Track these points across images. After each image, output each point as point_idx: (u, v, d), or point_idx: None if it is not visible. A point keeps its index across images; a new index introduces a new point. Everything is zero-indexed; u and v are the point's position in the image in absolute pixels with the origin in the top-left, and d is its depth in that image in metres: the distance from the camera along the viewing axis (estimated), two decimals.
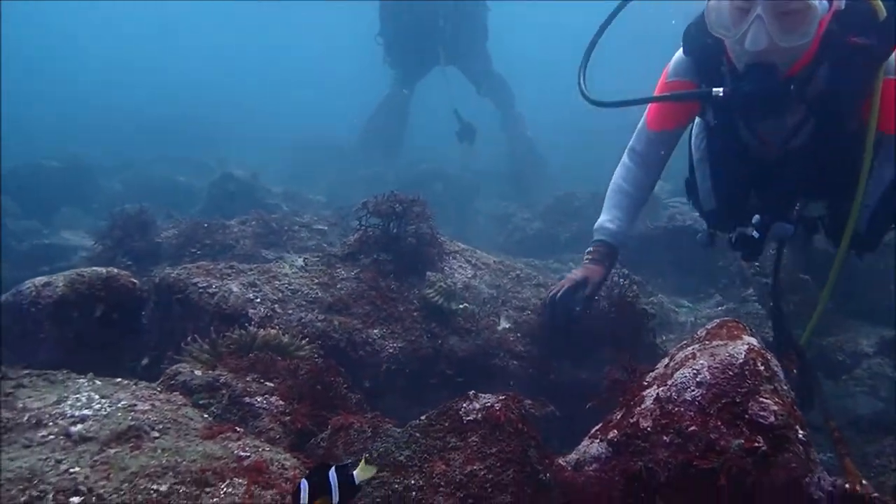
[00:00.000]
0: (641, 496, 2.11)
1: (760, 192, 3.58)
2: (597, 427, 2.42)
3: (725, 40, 3.17)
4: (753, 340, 2.28)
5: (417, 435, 2.62)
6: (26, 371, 2.60)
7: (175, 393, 2.69)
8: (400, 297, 4.09)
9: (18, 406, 2.29)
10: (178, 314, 3.69)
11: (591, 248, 4.09)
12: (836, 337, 4.76)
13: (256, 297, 3.75)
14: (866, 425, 3.80)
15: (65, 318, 3.45)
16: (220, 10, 36.65)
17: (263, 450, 2.30)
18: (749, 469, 1.95)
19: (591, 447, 2.31)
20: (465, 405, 2.63)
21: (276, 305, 3.76)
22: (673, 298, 5.87)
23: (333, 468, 1.73)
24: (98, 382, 2.59)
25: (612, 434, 2.27)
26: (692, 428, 2.08)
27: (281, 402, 2.87)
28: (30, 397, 2.38)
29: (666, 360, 2.52)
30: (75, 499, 1.88)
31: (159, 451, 2.14)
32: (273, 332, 3.38)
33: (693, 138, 3.84)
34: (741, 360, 2.15)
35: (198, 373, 2.92)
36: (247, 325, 3.47)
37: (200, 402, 2.77)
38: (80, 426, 2.19)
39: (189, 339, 3.30)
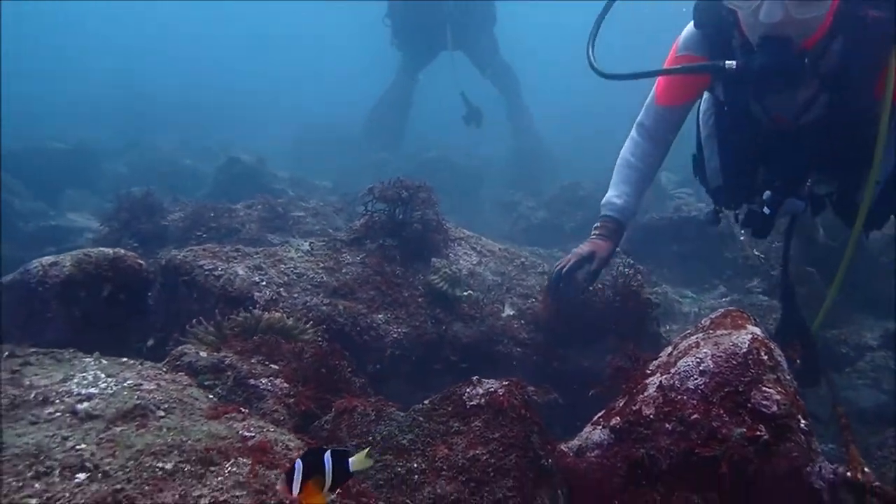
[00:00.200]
0: (643, 483, 2.12)
1: (770, 169, 3.54)
2: (599, 414, 2.43)
3: (739, 13, 3.13)
4: (757, 330, 2.29)
5: (421, 419, 2.64)
6: (33, 349, 2.62)
7: (180, 373, 2.71)
8: (405, 282, 4.10)
9: (25, 383, 2.31)
10: (184, 296, 3.71)
11: (598, 224, 4.06)
12: (839, 329, 4.77)
13: (262, 281, 3.76)
14: (869, 417, 3.81)
15: (72, 297, 3.46)
16: None
17: (268, 430, 2.31)
18: (750, 457, 1.96)
19: (594, 434, 2.32)
20: (468, 390, 2.65)
21: (281, 289, 3.77)
22: (677, 289, 5.87)
23: (329, 451, 1.73)
24: (104, 361, 2.60)
25: (615, 421, 2.28)
26: (694, 416, 2.09)
27: (285, 385, 2.89)
28: (36, 375, 2.39)
29: (669, 349, 2.52)
30: (81, 475, 1.89)
31: (164, 429, 2.16)
32: (277, 315, 3.40)
33: (701, 114, 3.82)
34: (745, 350, 2.16)
35: (203, 354, 2.94)
36: (252, 307, 3.48)
37: (205, 382, 2.79)
38: (86, 404, 2.21)
39: (194, 321, 3.31)
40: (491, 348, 3.95)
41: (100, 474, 1.90)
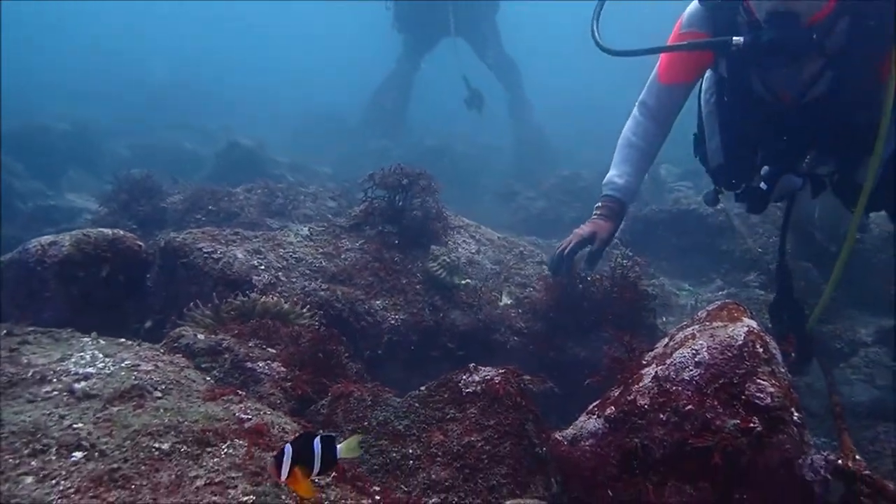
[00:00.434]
0: (636, 472, 2.13)
1: (771, 146, 3.53)
2: (595, 403, 2.44)
3: None
4: (753, 323, 2.30)
5: (417, 405, 2.65)
6: (31, 328, 2.63)
7: (178, 355, 2.72)
8: (403, 269, 4.11)
9: (23, 362, 2.32)
10: (182, 278, 3.71)
11: (599, 203, 4.05)
12: (834, 325, 4.78)
13: (261, 265, 3.77)
14: (863, 412, 3.83)
15: (70, 277, 3.46)
16: None
17: (265, 413, 2.32)
18: (743, 449, 1.97)
19: (589, 423, 2.33)
20: (464, 377, 2.66)
21: (280, 273, 3.78)
22: (675, 281, 5.88)
23: (318, 437, 1.73)
24: (102, 342, 2.62)
25: (610, 410, 2.29)
26: (689, 407, 2.10)
27: (282, 369, 2.90)
28: (34, 353, 2.41)
29: (665, 340, 2.53)
30: (78, 453, 1.91)
31: (161, 410, 2.17)
32: (273, 299, 3.41)
33: (703, 93, 3.80)
34: (740, 342, 2.17)
35: (201, 336, 2.95)
36: (250, 291, 3.49)
37: (203, 365, 2.80)
38: (83, 383, 2.22)
39: (192, 304, 3.32)
40: (488, 336, 3.97)
41: (96, 453, 1.92)
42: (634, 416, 2.21)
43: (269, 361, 2.93)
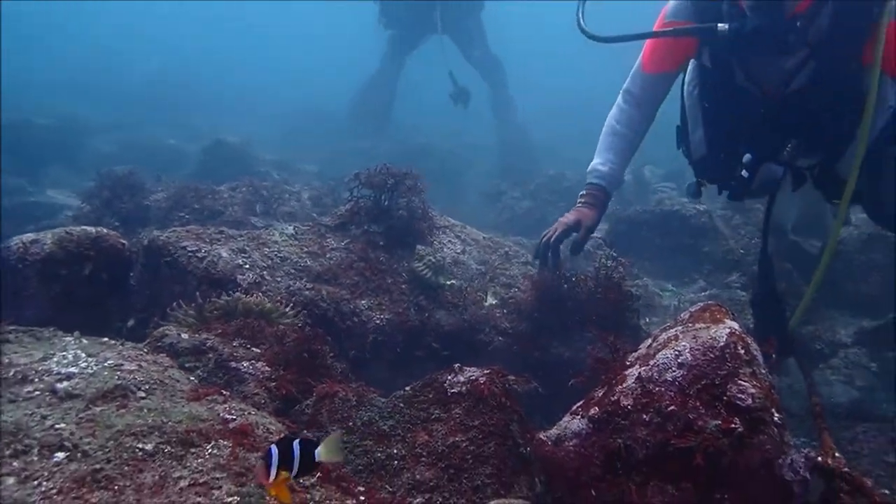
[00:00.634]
0: (619, 472, 2.15)
1: (753, 137, 3.54)
2: (578, 404, 2.46)
3: None
4: (735, 325, 2.32)
5: (402, 405, 2.66)
6: (13, 327, 2.61)
7: (161, 354, 2.71)
8: (389, 269, 4.11)
9: (4, 361, 2.30)
10: (166, 277, 3.70)
11: (583, 192, 4.07)
12: (814, 326, 4.83)
13: (245, 264, 3.76)
14: (842, 413, 3.87)
15: (52, 275, 3.44)
16: None
17: (249, 413, 2.32)
18: (725, 449, 1.99)
19: (572, 423, 2.35)
20: (449, 377, 2.67)
21: (264, 272, 3.77)
22: (658, 282, 5.92)
23: (298, 441, 1.73)
24: (85, 341, 2.60)
25: (594, 411, 2.30)
26: (671, 408, 2.11)
27: (267, 368, 2.89)
28: (16, 353, 2.38)
29: (649, 341, 2.55)
30: (60, 454, 1.90)
31: (145, 410, 2.16)
32: (255, 298, 3.39)
33: (686, 85, 3.82)
34: (722, 343, 2.19)
35: (184, 336, 2.94)
36: (235, 290, 3.48)
37: (186, 364, 2.79)
38: (66, 383, 2.21)
39: (174, 304, 3.30)
40: (473, 336, 3.97)
41: (79, 454, 1.91)
42: (618, 416, 2.23)
43: (253, 361, 2.92)
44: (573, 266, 4.61)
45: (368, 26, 13.22)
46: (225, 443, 2.07)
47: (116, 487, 1.82)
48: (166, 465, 1.93)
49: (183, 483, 1.88)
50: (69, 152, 11.31)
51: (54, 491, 1.76)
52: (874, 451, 3.34)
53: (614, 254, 4.56)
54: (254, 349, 3.04)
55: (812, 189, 3.73)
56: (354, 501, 2.08)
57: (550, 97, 17.69)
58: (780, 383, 3.91)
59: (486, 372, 2.68)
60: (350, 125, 13.54)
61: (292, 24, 39.64)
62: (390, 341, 3.80)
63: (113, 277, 3.66)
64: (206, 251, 3.73)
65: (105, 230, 3.74)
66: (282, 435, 2.25)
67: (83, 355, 2.41)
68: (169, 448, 2.00)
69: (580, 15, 3.66)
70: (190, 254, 3.69)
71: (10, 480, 1.77)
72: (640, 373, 2.29)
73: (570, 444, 2.30)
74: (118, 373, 2.33)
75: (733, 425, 2.01)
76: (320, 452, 1.74)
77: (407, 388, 2.73)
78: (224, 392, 2.47)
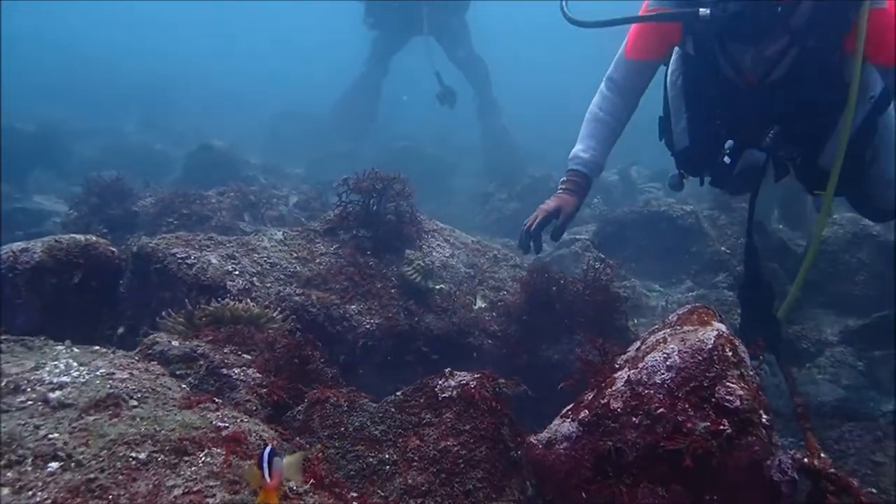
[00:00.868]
0: (610, 475, 2.18)
1: (734, 123, 3.54)
2: (568, 407, 2.48)
3: None
4: (723, 327, 2.35)
5: (393, 410, 2.67)
6: (4, 336, 2.60)
7: (153, 362, 2.70)
8: (378, 273, 4.12)
9: None
10: (155, 284, 3.69)
11: (564, 178, 4.06)
12: (800, 325, 4.88)
13: (235, 270, 3.76)
14: (828, 412, 3.91)
15: (42, 284, 3.44)
16: None
17: (242, 421, 2.32)
18: (714, 451, 2.02)
19: (563, 426, 2.37)
20: (440, 382, 2.69)
21: (254, 278, 3.77)
22: (645, 282, 5.96)
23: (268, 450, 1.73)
24: (76, 350, 2.60)
25: (584, 414, 2.33)
26: (661, 410, 2.14)
27: (258, 375, 2.90)
28: (7, 363, 2.38)
29: (637, 344, 2.58)
30: (54, 464, 1.90)
31: (138, 419, 2.16)
32: (242, 304, 3.39)
33: (669, 76, 3.82)
34: (710, 346, 2.22)
35: (175, 343, 2.94)
36: (225, 297, 3.48)
37: (177, 372, 2.79)
38: (58, 392, 2.21)
39: (164, 313, 3.30)
40: (462, 340, 3.99)
41: (73, 463, 1.91)
42: (608, 419, 2.25)
43: (244, 368, 2.93)
44: (562, 268, 4.65)
45: (352, 27, 13.23)
46: (218, 451, 2.08)
47: (111, 497, 1.82)
48: (160, 474, 1.94)
49: (177, 491, 1.89)
50: (54, 158, 11.24)
51: (49, 501, 1.77)
52: (860, 450, 3.39)
53: (602, 255, 4.60)
54: (245, 356, 3.04)
55: (790, 183, 3.75)
56: None
57: (532, 99, 17.73)
58: (768, 383, 3.95)
59: (476, 376, 2.70)
60: (333, 129, 13.52)
61: (273, 26, 39.53)
62: (380, 346, 3.81)
63: (102, 285, 3.66)
64: (195, 258, 3.73)
65: (94, 238, 3.73)
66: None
67: (75, 364, 2.40)
68: (162, 457, 2.00)
69: (564, 1, 3.67)
70: (179, 260, 3.69)
71: (5, 491, 1.77)
72: (629, 376, 2.31)
73: (561, 447, 2.33)
74: (110, 381, 2.33)
75: (722, 427, 2.04)
76: (285, 465, 1.74)
77: (398, 393, 2.75)
78: (216, 400, 2.48)
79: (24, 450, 1.92)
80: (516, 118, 13.83)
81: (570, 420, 2.37)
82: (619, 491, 2.13)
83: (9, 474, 1.83)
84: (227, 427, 2.23)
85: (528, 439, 2.45)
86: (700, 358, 2.20)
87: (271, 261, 3.95)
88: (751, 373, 2.23)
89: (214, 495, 1.89)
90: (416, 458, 2.48)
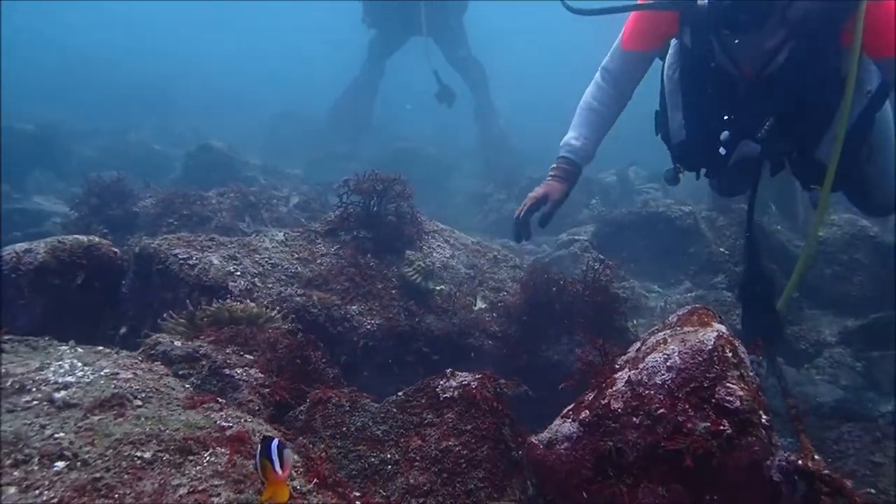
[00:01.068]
0: (610, 475, 2.19)
1: (731, 115, 3.55)
2: (569, 407, 2.50)
3: None
4: (723, 328, 2.37)
5: (394, 410, 2.69)
6: (8, 337, 2.61)
7: (156, 363, 2.72)
8: (379, 274, 4.14)
9: (2, 371, 2.31)
10: (157, 284, 3.71)
11: (554, 165, 4.09)
12: (799, 326, 4.90)
13: (237, 270, 3.78)
14: (827, 412, 3.93)
15: (45, 284, 3.45)
16: None
17: (246, 420, 2.34)
18: (714, 451, 2.04)
19: (563, 426, 2.39)
20: (442, 382, 2.70)
21: (256, 279, 3.79)
22: (644, 283, 5.98)
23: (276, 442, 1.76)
24: (80, 350, 2.61)
25: (584, 414, 2.35)
26: (661, 410, 2.16)
27: (260, 375, 2.91)
28: (12, 363, 2.39)
29: (638, 345, 2.60)
30: (60, 463, 1.91)
31: (142, 419, 2.18)
32: (241, 304, 3.41)
33: (666, 69, 3.84)
34: (710, 347, 2.24)
35: (178, 343, 2.95)
36: (226, 297, 3.50)
37: (180, 372, 2.81)
38: (63, 392, 2.22)
39: (165, 315, 3.32)
40: (463, 341, 4.01)
41: (79, 463, 1.92)
42: (608, 419, 2.27)
43: (246, 368, 2.94)
44: (561, 269, 4.66)
45: (352, 27, 13.23)
46: (222, 450, 2.09)
47: (116, 496, 1.84)
48: (165, 473, 1.95)
49: (182, 491, 1.90)
50: (53, 158, 11.24)
51: (55, 500, 1.78)
52: (859, 451, 3.40)
53: (602, 257, 4.62)
54: (247, 356, 3.06)
55: (785, 177, 3.74)
56: None
57: (530, 100, 17.76)
58: (767, 383, 3.97)
59: (477, 377, 2.72)
60: (330, 131, 13.53)
61: (273, 27, 39.55)
62: (381, 346, 3.83)
63: (105, 286, 3.68)
64: (197, 258, 3.75)
65: (97, 239, 3.75)
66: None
67: (79, 364, 2.42)
68: (167, 456, 2.02)
69: None
70: (181, 261, 3.71)
71: (12, 490, 1.79)
72: (629, 376, 2.33)
73: (562, 447, 2.34)
74: (114, 381, 2.34)
75: (722, 427, 2.05)
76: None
77: (400, 393, 2.76)
78: (220, 400, 2.49)
79: (30, 449, 1.94)
80: (514, 120, 13.86)
81: (570, 420, 2.39)
82: (619, 491, 2.15)
83: (15, 473, 1.85)
84: (232, 427, 2.25)
85: (528, 439, 2.47)
86: (700, 359, 2.22)
87: (273, 261, 3.97)
88: (750, 373, 2.25)
89: (219, 494, 1.91)
90: (417, 457, 2.49)
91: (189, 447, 2.07)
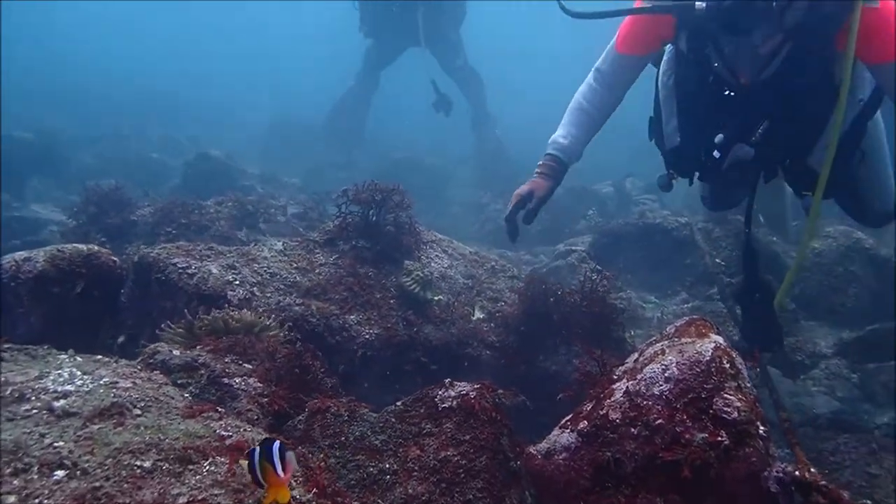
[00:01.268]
0: (608, 485, 2.20)
1: (726, 122, 3.56)
2: (567, 417, 2.51)
3: None
4: (720, 339, 2.38)
5: (393, 420, 2.69)
6: (7, 345, 2.62)
7: (155, 371, 2.73)
8: (377, 284, 4.15)
9: (1, 380, 2.31)
10: (156, 293, 3.71)
11: (540, 162, 4.09)
12: (795, 338, 4.91)
13: (236, 280, 3.79)
14: (824, 423, 3.94)
15: (44, 293, 3.45)
16: None
17: (245, 430, 2.34)
18: (711, 462, 2.05)
19: (562, 437, 2.40)
20: (440, 392, 2.71)
21: (254, 288, 3.79)
22: (641, 294, 6.00)
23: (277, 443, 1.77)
24: (79, 359, 2.61)
25: (583, 425, 2.36)
26: (659, 421, 2.17)
27: (259, 384, 2.92)
28: (11, 371, 2.40)
29: (636, 355, 2.61)
30: (60, 472, 1.91)
31: (142, 428, 2.18)
32: (236, 314, 3.41)
33: (661, 75, 3.86)
34: (708, 358, 2.25)
35: (176, 352, 2.95)
36: (225, 306, 3.50)
37: (179, 381, 2.81)
38: (63, 401, 2.22)
39: (164, 325, 3.32)
40: (461, 351, 4.02)
41: (78, 472, 1.92)
42: (606, 430, 2.28)
43: (245, 377, 2.95)
44: (558, 280, 4.67)
45: (352, 36, 13.26)
46: (222, 459, 2.10)
47: None
48: (165, 483, 1.96)
49: (182, 500, 1.91)
50: (52, 166, 11.24)
51: None
52: (856, 462, 3.42)
53: (599, 267, 4.64)
54: (245, 365, 3.06)
55: (768, 194, 3.75)
56: None
57: (526, 110, 17.81)
58: (764, 394, 3.99)
59: (476, 387, 2.72)
60: (325, 141, 13.54)
61: (273, 34, 39.65)
62: (379, 356, 3.83)
63: (104, 294, 3.68)
64: (196, 267, 3.76)
65: (96, 248, 3.76)
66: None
67: (79, 373, 2.42)
68: (167, 465, 2.02)
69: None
70: (180, 270, 3.71)
71: (12, 499, 1.79)
72: (627, 387, 2.34)
73: (560, 457, 2.35)
74: (114, 390, 2.35)
75: (720, 438, 2.07)
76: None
77: (398, 403, 2.77)
78: (219, 409, 2.50)
79: (29, 458, 1.94)
80: (510, 129, 13.90)
81: (569, 431, 2.40)
82: (617, 501, 2.16)
83: (15, 482, 1.85)
84: (231, 436, 2.25)
85: (527, 450, 2.48)
86: (698, 370, 2.23)
87: (271, 271, 3.97)
88: (748, 385, 2.26)
89: (219, 503, 1.91)
90: (416, 467, 2.50)
91: (189, 456, 2.07)
